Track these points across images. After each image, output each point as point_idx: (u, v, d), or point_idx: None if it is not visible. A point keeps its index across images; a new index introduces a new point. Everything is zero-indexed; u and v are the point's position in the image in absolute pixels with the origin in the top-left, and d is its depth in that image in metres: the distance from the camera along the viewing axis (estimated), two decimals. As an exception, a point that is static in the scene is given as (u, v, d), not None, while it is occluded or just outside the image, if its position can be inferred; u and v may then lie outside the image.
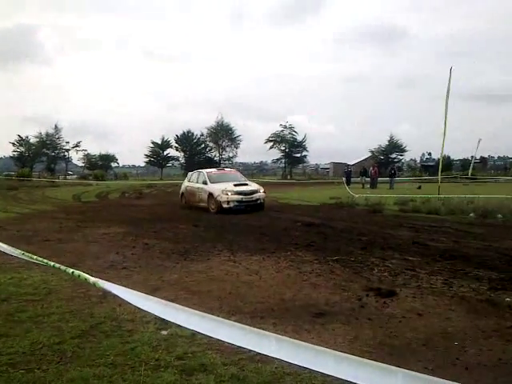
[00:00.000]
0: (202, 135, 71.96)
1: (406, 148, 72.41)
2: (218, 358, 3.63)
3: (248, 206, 15.33)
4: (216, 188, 15.51)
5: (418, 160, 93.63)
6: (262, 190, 15.93)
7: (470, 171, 46.02)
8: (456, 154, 78.20)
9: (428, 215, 13.84)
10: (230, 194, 15.18)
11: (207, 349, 3.80)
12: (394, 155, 72.65)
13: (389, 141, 72.37)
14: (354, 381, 2.09)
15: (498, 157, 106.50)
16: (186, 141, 71.68)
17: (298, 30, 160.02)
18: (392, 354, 3.74)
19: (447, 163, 68.91)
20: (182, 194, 18.45)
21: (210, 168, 20.40)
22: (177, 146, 72.09)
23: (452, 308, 4.93)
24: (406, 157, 79.06)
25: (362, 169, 36.75)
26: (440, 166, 19.60)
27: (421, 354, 3.73)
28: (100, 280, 3.67)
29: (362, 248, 8.45)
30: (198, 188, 16.70)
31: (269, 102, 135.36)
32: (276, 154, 71.68)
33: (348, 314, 4.77)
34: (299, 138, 70.16)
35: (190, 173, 19.71)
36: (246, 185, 16.20)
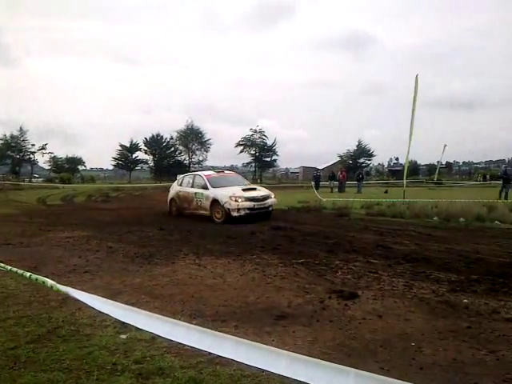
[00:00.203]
0: (172, 138, 71.46)
1: (374, 153, 73.78)
2: (176, 361, 3.60)
3: (259, 214, 13.58)
4: (222, 194, 13.50)
5: (386, 165, 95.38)
6: (273, 196, 14.27)
7: (436, 176, 47.13)
8: (423, 159, 79.85)
9: (393, 219, 14.09)
10: (240, 200, 13.20)
11: (166, 352, 3.77)
12: (362, 160, 73.82)
13: (357, 146, 73.57)
14: (308, 381, 2.11)
15: (463, 162, 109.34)
16: (155, 144, 71.03)
17: (270, 35, 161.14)
18: (350, 355, 3.78)
19: (414, 168, 70.49)
20: (172, 200, 15.89)
21: (208, 170, 17.50)
22: (146, 149, 71.36)
23: (411, 309, 5.02)
24: (374, 161, 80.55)
25: (330, 173, 37.15)
26: (405, 171, 19.99)
27: (378, 355, 3.78)
28: (58, 284, 3.60)
29: (328, 251, 8.52)
30: (196, 193, 14.49)
31: (239, 106, 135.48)
32: (246, 157, 71.83)
33: (310, 316, 4.80)
34: (269, 142, 70.47)
35: (179, 176, 18.04)
36: (255, 189, 14.41)
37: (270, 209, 14.10)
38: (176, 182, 16.58)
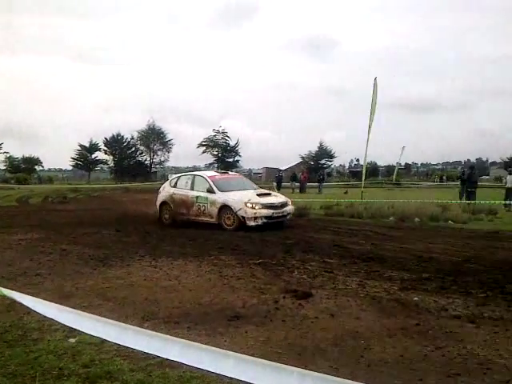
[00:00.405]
0: (133, 138, 70.47)
1: (335, 154, 74.76)
2: (125, 364, 3.55)
3: (277, 223, 12.10)
4: (234, 199, 11.88)
5: (347, 166, 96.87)
6: (290, 202, 12.82)
7: (395, 177, 48.25)
8: (382, 161, 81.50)
9: (351, 219, 14.32)
10: (257, 207, 11.65)
11: (116, 355, 3.71)
12: (323, 161, 74.71)
13: (319, 147, 74.40)
14: (252, 382, 2.14)
15: (422, 163, 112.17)
16: (115, 144, 69.85)
17: (234, 35, 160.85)
18: (301, 354, 3.81)
19: (373, 169, 71.86)
20: (164, 203, 13.65)
21: (209, 171, 15.81)
22: (106, 149, 70.07)
23: (363, 308, 5.12)
24: (336, 163, 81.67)
25: (292, 174, 37.49)
26: (364, 172, 20.33)
27: (328, 354, 3.83)
28: (2, 288, 3.49)
29: (285, 251, 8.59)
30: (198, 197, 12.58)
31: (203, 106, 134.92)
32: (209, 158, 71.58)
33: (263, 316, 4.83)
34: (232, 142, 70.46)
35: (172, 176, 15.93)
36: (270, 195, 13.04)
37: (288, 217, 12.55)
38: (168, 182, 14.48)
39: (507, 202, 16.94)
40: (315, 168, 68.28)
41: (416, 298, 5.47)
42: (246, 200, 11.70)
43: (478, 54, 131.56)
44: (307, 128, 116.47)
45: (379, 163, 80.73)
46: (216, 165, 71.46)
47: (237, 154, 71.37)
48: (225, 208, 11.96)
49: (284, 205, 12.27)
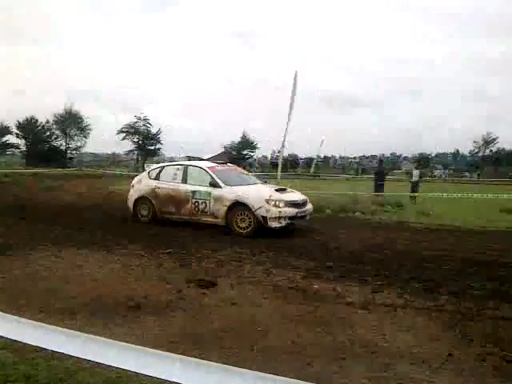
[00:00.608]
0: (48, 122, 66.90)
1: (258, 145, 75.45)
2: (11, 357, 3.39)
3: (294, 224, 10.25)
4: (251, 195, 9.87)
5: (269, 157, 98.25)
6: (308, 200, 11.05)
7: (313, 169, 49.67)
8: (303, 153, 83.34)
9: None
10: (281, 205, 9.76)
11: (2, 348, 3.53)
12: (245, 151, 75.25)
13: (242, 137, 74.80)
14: (137, 370, 2.21)
15: (340, 156, 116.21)
16: (29, 127, 66.00)
17: (159, 20, 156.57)
18: (197, 342, 3.84)
19: (294, 161, 73.53)
20: (141, 200, 11.25)
21: (204, 161, 12.82)
22: (18, 132, 66.01)
23: (265, 296, 5.25)
24: (259, 153, 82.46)
25: (213, 164, 37.42)
26: (279, 164, 20.73)
27: (225, 342, 3.89)
28: None
29: (197, 241, 8.57)
30: (196, 193, 10.41)
31: (125, 92, 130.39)
32: (129, 145, 69.60)
33: (164, 306, 4.81)
34: (154, 130, 68.97)
35: (152, 166, 12.98)
36: (287, 190, 10.95)
37: (308, 218, 10.70)
38: (146, 173, 11.94)
39: (412, 194, 18.03)
40: (238, 158, 68.62)
41: (316, 286, 5.69)
42: (267, 196, 9.75)
43: (398, 54, 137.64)
44: (231, 118, 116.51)
45: (300, 155, 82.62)
46: (136, 152, 69.79)
47: (158, 141, 70.00)
48: (237, 206, 9.84)
49: (305, 203, 10.56)
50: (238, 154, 73.11)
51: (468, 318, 4.72)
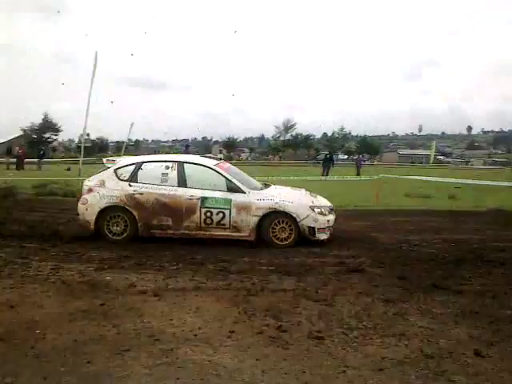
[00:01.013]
0: None
1: (63, 128, 70.44)
2: None
3: None
4: (292, 201, 8.01)
5: (77, 140, 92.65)
6: None
7: (123, 153, 48.33)
8: (114, 136, 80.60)
9: (65, 198, 13.62)
10: (327, 212, 8.22)
11: None
12: (48, 135, 69.55)
13: (43, 119, 68.84)
14: None
15: (152, 140, 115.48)
16: None
17: None
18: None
19: (103, 145, 70.65)
20: (107, 212, 8.00)
21: (201, 157, 10.08)
22: None
23: (49, 294, 4.91)
24: (65, 137, 77.08)
25: (7, 148, 33.86)
26: (82, 148, 19.80)
27: (-6, 351, 3.53)
28: None
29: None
30: (208, 200, 7.86)
31: None
32: None
33: None
34: None
35: (120, 162, 8.47)
36: (311, 192, 9.03)
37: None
38: (111, 172, 8.33)
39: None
40: (38, 142, 63.14)
41: (108, 278, 5.52)
42: (310, 203, 8.15)
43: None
44: (32, 97, 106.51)
45: (111, 139, 79.70)
46: None
47: None
48: (271, 215, 7.91)
49: (332, 209, 8.69)
50: (40, 137, 67.25)
51: (252, 294, 5.06)
